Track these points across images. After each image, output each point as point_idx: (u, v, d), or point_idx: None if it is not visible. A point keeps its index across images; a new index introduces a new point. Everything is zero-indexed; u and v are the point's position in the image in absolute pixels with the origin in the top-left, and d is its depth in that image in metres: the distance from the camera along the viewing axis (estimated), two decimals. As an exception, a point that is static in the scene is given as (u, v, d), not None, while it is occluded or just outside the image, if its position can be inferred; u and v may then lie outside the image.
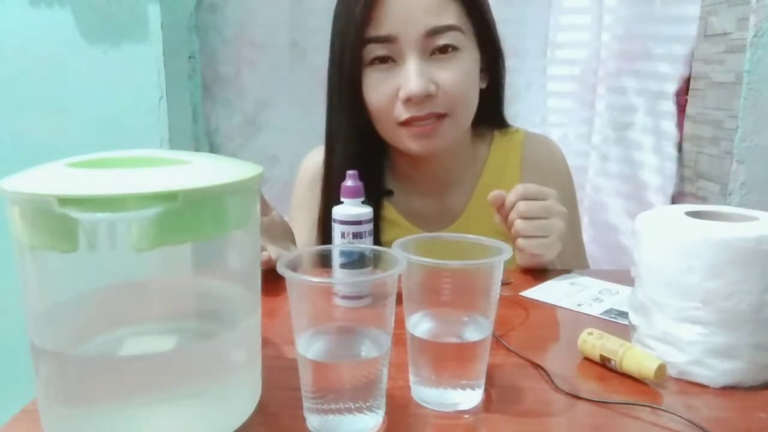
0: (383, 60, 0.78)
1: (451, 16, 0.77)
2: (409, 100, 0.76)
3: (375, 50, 0.77)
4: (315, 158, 0.93)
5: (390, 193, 0.90)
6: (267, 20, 1.40)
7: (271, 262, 0.68)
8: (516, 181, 0.89)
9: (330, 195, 0.86)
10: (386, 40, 0.76)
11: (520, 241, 0.73)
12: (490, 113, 0.90)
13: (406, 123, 0.78)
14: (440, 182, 0.90)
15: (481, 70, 0.84)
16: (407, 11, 0.75)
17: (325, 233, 0.88)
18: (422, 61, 0.77)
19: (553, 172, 0.93)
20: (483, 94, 0.85)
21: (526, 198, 0.73)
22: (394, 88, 0.77)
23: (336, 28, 0.81)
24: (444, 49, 0.77)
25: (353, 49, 0.77)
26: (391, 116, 0.79)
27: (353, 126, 0.83)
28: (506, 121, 0.94)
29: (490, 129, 0.93)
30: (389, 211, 0.90)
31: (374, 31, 0.76)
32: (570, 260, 0.86)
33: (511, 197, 0.73)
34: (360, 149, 0.84)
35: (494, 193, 0.74)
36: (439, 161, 0.88)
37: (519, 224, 0.73)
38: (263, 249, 0.72)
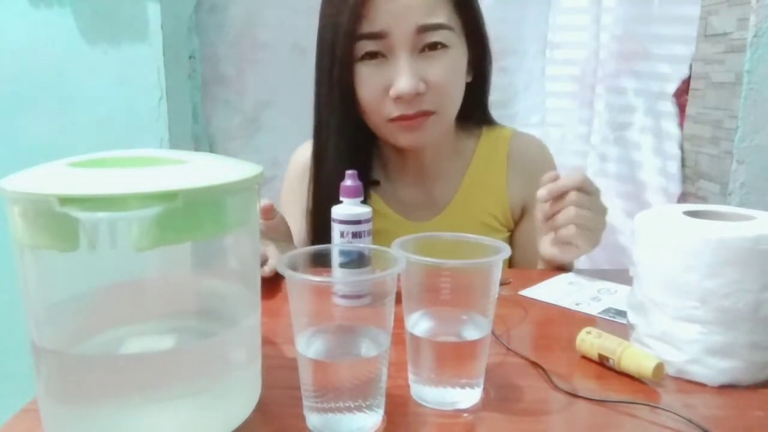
0: (373, 55, 0.78)
1: (442, 14, 0.78)
2: (399, 98, 0.77)
3: (366, 46, 0.78)
4: (305, 152, 0.94)
5: (376, 183, 0.91)
6: (268, 21, 1.40)
7: (272, 274, 0.71)
8: (502, 176, 0.92)
9: (320, 188, 0.87)
10: (378, 36, 0.77)
11: (565, 231, 0.73)
12: (475, 108, 0.91)
13: (394, 119, 0.80)
14: (427, 173, 0.92)
15: (468, 64, 0.84)
16: (399, 8, 0.75)
17: (314, 227, 0.89)
18: (412, 57, 0.77)
19: (539, 170, 0.94)
20: (468, 88, 0.85)
21: (582, 189, 0.73)
22: (384, 85, 0.78)
23: (325, 24, 0.82)
24: (433, 46, 0.78)
25: (345, 45, 0.78)
26: (381, 112, 0.80)
27: (344, 120, 0.84)
28: (491, 116, 0.95)
29: (478, 125, 0.95)
30: (375, 201, 0.91)
31: (366, 27, 0.76)
32: None
33: (566, 183, 0.73)
34: (350, 142, 0.85)
35: (550, 175, 0.74)
36: (425, 153, 0.90)
37: (573, 211, 0.72)
38: (265, 258, 0.73)
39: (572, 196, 0.72)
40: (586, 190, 0.73)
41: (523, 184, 0.92)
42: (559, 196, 0.73)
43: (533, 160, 0.94)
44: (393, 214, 0.91)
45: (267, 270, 0.71)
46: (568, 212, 0.72)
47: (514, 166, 0.93)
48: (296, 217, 0.93)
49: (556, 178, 0.74)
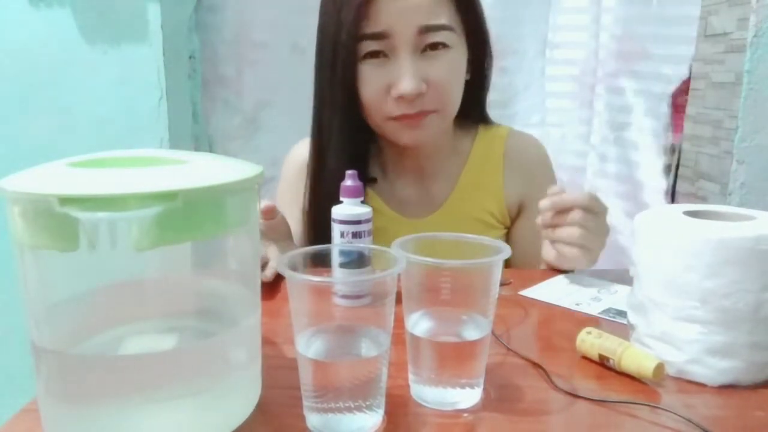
0: (374, 54, 0.78)
1: (444, 15, 0.78)
2: (401, 98, 0.78)
3: (368, 45, 0.78)
4: (302, 150, 0.94)
5: (373, 180, 0.91)
6: (267, 20, 1.40)
7: (273, 278, 0.71)
8: (498, 175, 0.92)
9: (319, 186, 0.87)
10: (380, 36, 0.77)
11: (567, 249, 0.73)
12: (473, 107, 0.92)
13: (396, 117, 0.80)
14: (424, 171, 0.92)
15: (467, 63, 0.85)
16: (401, 8, 0.76)
17: (313, 225, 0.89)
18: (414, 57, 0.78)
19: (535, 168, 0.95)
20: (466, 86, 0.85)
21: (588, 210, 0.72)
22: (386, 84, 0.78)
23: (326, 24, 0.81)
24: (435, 46, 0.78)
25: (348, 44, 0.78)
26: (382, 111, 0.80)
27: (345, 118, 0.83)
28: (488, 115, 0.96)
29: (475, 124, 0.95)
30: (372, 198, 0.91)
31: (369, 28, 0.76)
32: None
33: (572, 200, 0.72)
34: (350, 140, 0.85)
35: (555, 188, 0.73)
36: (423, 150, 0.90)
37: (576, 232, 0.71)
38: (266, 261, 0.73)
39: (578, 215, 0.71)
40: (593, 211, 0.72)
41: (520, 182, 0.93)
42: (562, 209, 0.73)
43: (530, 158, 0.95)
44: (389, 211, 0.92)
45: (269, 274, 0.71)
46: (572, 233, 0.72)
47: (510, 165, 0.93)
48: (295, 216, 0.93)
49: (561, 192, 0.73)
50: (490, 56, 0.89)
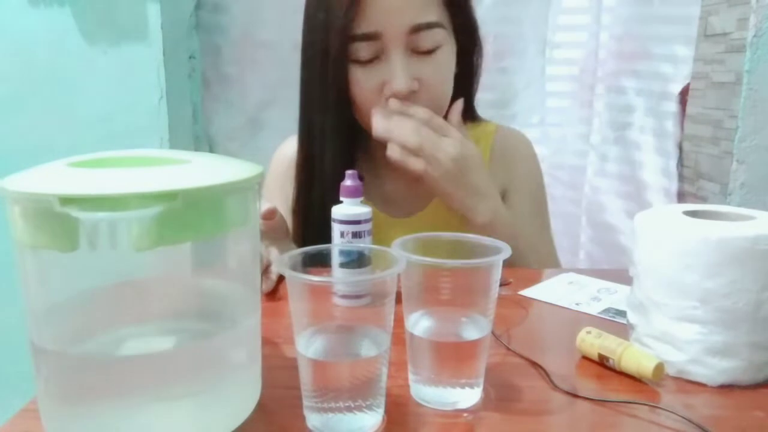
0: (366, 55, 0.78)
1: (434, 12, 0.78)
2: (394, 97, 0.77)
3: (359, 46, 0.77)
4: (290, 147, 0.93)
5: (360, 179, 0.91)
6: (269, 20, 1.40)
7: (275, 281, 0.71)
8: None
9: (308, 185, 0.87)
10: (371, 37, 0.76)
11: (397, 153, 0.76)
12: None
13: None
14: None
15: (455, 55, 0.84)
16: (391, 7, 0.75)
17: (301, 224, 0.88)
18: (405, 56, 0.77)
19: (522, 165, 0.95)
20: (455, 80, 0.85)
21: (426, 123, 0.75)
22: (378, 84, 0.78)
23: (313, 24, 0.80)
24: (426, 45, 0.78)
25: (339, 46, 0.77)
26: None
27: (337, 118, 0.83)
28: (476, 111, 0.95)
29: (463, 121, 0.94)
30: None
31: (359, 29, 0.76)
32: (539, 257, 0.87)
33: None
34: (341, 140, 0.84)
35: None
36: None
37: (410, 135, 0.75)
38: (268, 264, 0.73)
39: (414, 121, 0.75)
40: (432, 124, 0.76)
41: (503, 175, 0.92)
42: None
43: (514, 153, 0.95)
44: (375, 210, 0.91)
45: (274, 278, 0.71)
46: (406, 134, 0.76)
47: (495, 161, 0.93)
48: (285, 214, 0.93)
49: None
50: (480, 50, 0.88)
